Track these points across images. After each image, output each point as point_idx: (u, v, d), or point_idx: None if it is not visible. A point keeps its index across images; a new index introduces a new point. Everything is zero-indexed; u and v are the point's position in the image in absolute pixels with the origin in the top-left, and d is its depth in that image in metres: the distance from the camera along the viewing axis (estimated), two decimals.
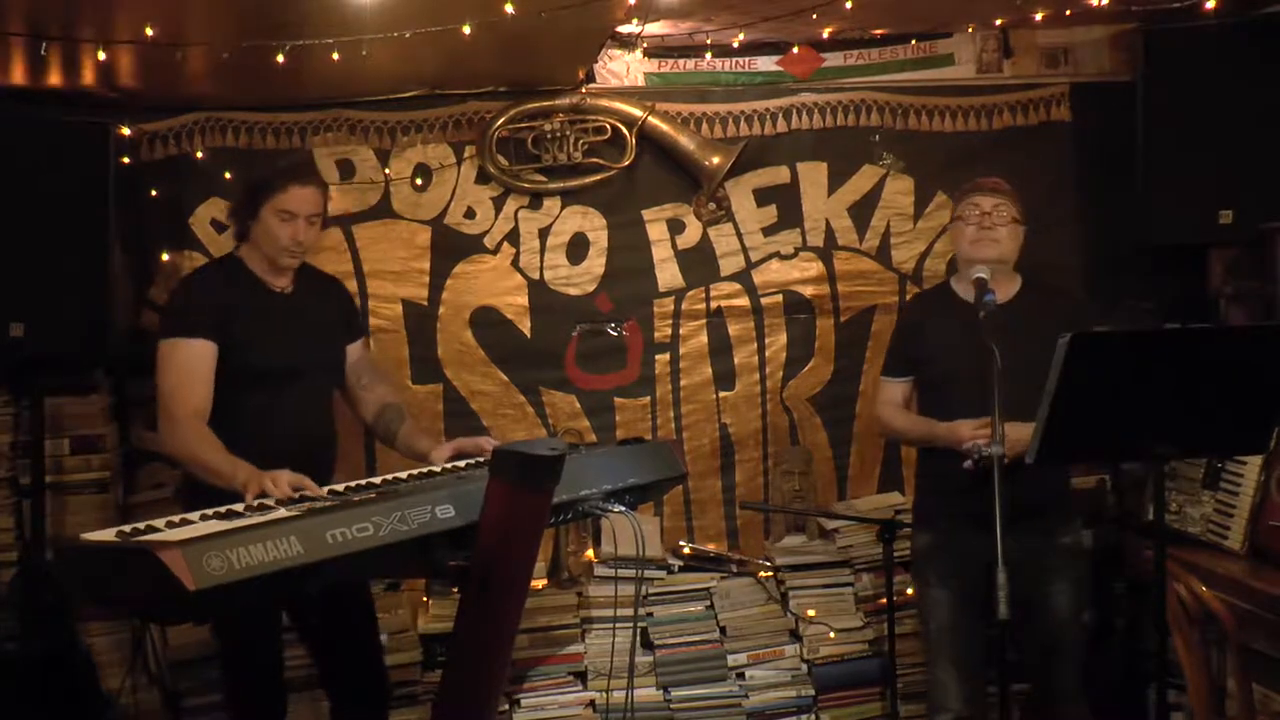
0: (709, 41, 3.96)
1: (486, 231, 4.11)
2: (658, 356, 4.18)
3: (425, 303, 4.09)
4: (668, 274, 4.17)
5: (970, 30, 4.11)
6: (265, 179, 3.02)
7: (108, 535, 2.17)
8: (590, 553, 3.98)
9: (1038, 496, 3.01)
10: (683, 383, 4.19)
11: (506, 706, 3.69)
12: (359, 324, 3.32)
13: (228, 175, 3.95)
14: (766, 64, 4.14)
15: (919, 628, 3.47)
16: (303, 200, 2.99)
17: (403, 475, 2.74)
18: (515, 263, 4.12)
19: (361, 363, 3.26)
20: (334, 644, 3.13)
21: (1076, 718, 3.13)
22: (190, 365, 2.87)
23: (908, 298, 4.15)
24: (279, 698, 3.07)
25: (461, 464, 2.93)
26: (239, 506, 2.41)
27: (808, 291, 4.19)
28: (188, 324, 2.91)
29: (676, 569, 3.91)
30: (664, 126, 4.05)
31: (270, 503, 2.45)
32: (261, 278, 3.04)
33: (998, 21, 4.04)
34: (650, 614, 3.84)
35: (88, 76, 3.57)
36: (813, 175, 4.17)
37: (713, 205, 4.13)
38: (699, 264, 4.17)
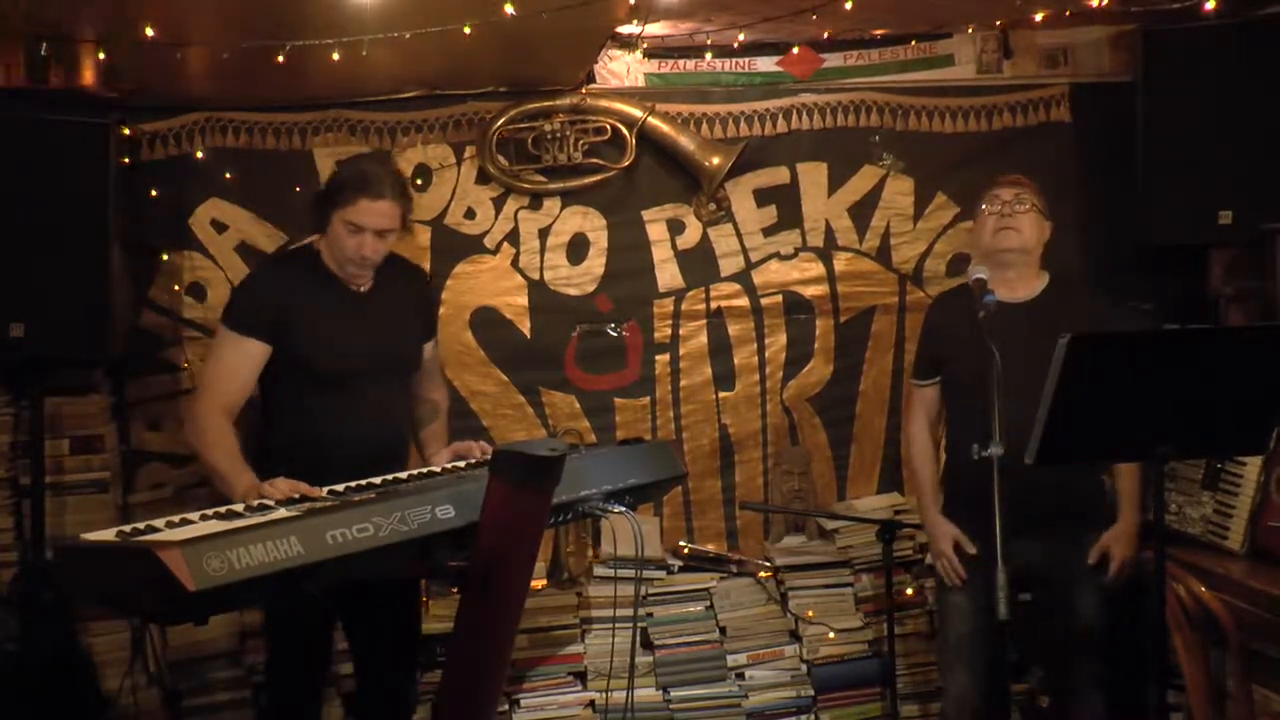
0: (709, 42, 3.96)
1: (486, 232, 4.11)
2: (657, 357, 4.18)
3: None
4: (667, 274, 4.17)
5: (970, 31, 4.11)
6: (339, 184, 2.89)
7: (108, 535, 2.17)
8: (590, 553, 3.98)
9: (1070, 503, 3.02)
10: (682, 383, 4.19)
11: (506, 706, 3.69)
12: (435, 321, 3.23)
13: (228, 175, 3.96)
14: (766, 64, 4.14)
15: (937, 632, 3.44)
16: (372, 214, 2.85)
17: (403, 475, 2.74)
18: (515, 263, 4.12)
19: (431, 364, 3.19)
20: (374, 654, 3.07)
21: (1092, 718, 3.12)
22: (235, 362, 2.84)
23: (908, 297, 4.17)
24: (323, 677, 3.05)
25: (461, 464, 2.93)
26: (239, 506, 2.41)
27: (807, 292, 4.19)
28: (245, 320, 2.86)
29: (676, 569, 3.92)
30: (664, 127, 4.05)
31: (270, 502, 2.45)
32: (335, 272, 2.95)
33: (997, 22, 4.05)
34: (650, 614, 3.84)
35: (88, 76, 3.57)
36: (813, 176, 4.17)
37: (713, 205, 4.13)
38: (699, 264, 4.17)
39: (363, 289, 2.98)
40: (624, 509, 2.65)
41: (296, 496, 2.49)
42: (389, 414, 3.00)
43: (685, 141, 4.05)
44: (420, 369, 3.15)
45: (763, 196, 4.17)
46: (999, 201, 3.16)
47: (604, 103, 4.04)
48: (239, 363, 2.84)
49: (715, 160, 4.01)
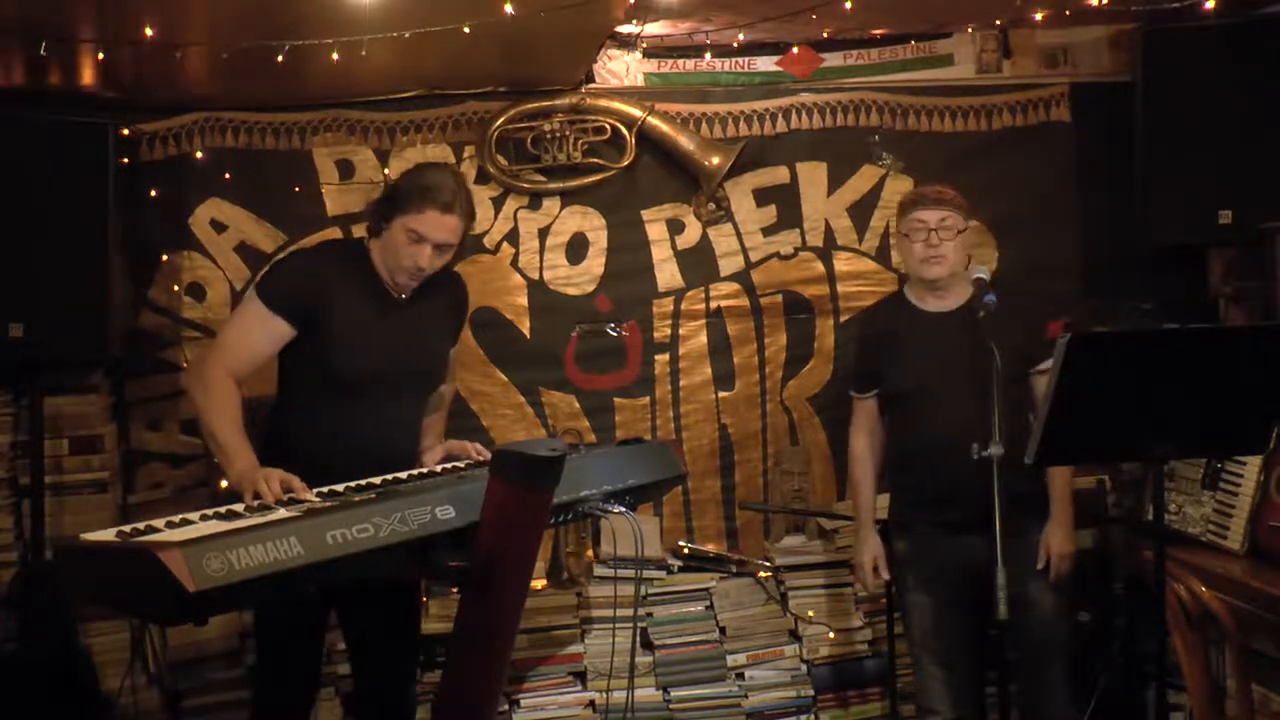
0: (708, 41, 3.96)
1: (486, 232, 4.11)
2: (657, 357, 4.18)
3: None
4: (667, 274, 4.17)
5: (970, 30, 4.12)
6: (408, 191, 2.78)
7: (108, 535, 2.17)
8: (590, 553, 3.97)
9: (1016, 498, 3.01)
10: (682, 383, 4.19)
11: (506, 706, 3.69)
12: (462, 324, 3.15)
13: (227, 175, 3.96)
14: (766, 64, 4.14)
15: (905, 631, 3.46)
16: (438, 227, 2.76)
17: (402, 475, 2.73)
18: (515, 263, 4.12)
19: (451, 363, 3.14)
20: (371, 650, 3.03)
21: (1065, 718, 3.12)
22: (256, 334, 2.76)
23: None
24: (311, 689, 3.00)
25: (461, 464, 2.93)
26: (239, 506, 2.41)
27: (807, 292, 4.19)
28: (278, 297, 2.76)
29: (676, 569, 3.91)
30: (663, 126, 4.05)
31: (270, 502, 2.45)
32: (381, 275, 2.86)
33: (997, 22, 4.05)
34: (650, 614, 3.84)
35: (88, 76, 3.57)
36: (812, 175, 4.17)
37: (712, 205, 4.13)
38: (698, 264, 4.17)
39: (403, 296, 2.89)
40: (624, 509, 2.65)
41: (284, 498, 2.47)
42: (403, 428, 2.93)
43: (685, 141, 4.05)
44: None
45: (762, 196, 4.17)
46: (924, 229, 3.08)
47: (603, 102, 4.04)
48: (260, 336, 2.76)
49: (715, 160, 4.01)
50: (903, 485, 3.26)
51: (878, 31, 4.06)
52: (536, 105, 4.02)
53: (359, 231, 4.02)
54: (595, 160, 4.06)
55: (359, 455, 2.71)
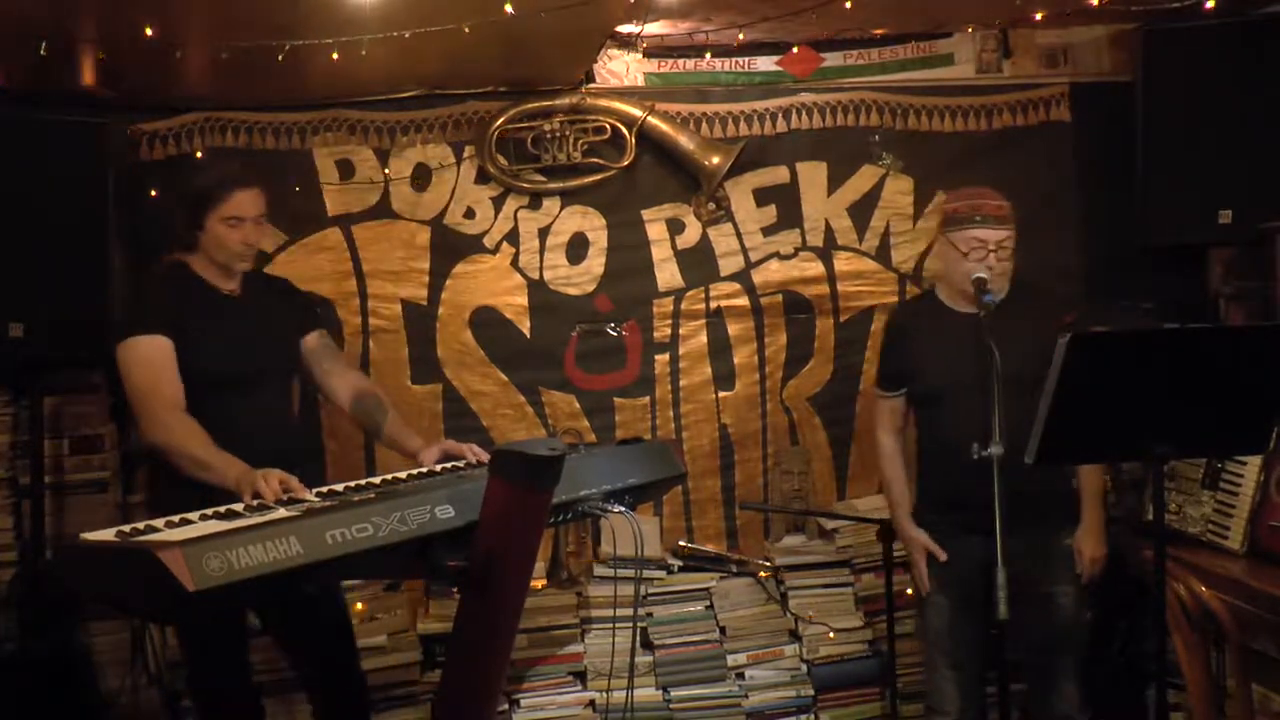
0: (708, 41, 3.96)
1: (486, 231, 4.11)
2: (657, 356, 4.18)
3: (425, 303, 4.09)
4: (667, 274, 4.17)
5: (970, 30, 4.12)
6: (205, 190, 2.98)
7: (107, 535, 2.17)
8: (590, 553, 3.98)
9: (1039, 498, 3.02)
10: (682, 383, 4.19)
11: (506, 706, 3.69)
12: (314, 317, 3.27)
13: None
14: (766, 64, 4.14)
15: (918, 630, 3.48)
16: (248, 203, 2.98)
17: (402, 475, 2.74)
18: (515, 263, 4.12)
19: (321, 350, 3.22)
20: (306, 648, 3.10)
21: None
22: (156, 359, 2.85)
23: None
24: (252, 702, 3.06)
25: (461, 464, 2.93)
26: (238, 506, 2.41)
27: (807, 291, 4.19)
28: (144, 322, 2.88)
29: (676, 569, 3.92)
30: (663, 126, 4.05)
31: (269, 502, 2.45)
32: (209, 281, 3.02)
33: (997, 21, 4.05)
34: (650, 614, 3.84)
35: (87, 76, 3.57)
36: (812, 175, 4.17)
37: (712, 205, 4.13)
38: (698, 264, 4.17)
39: (233, 294, 3.05)
40: (623, 509, 2.65)
41: (284, 497, 2.48)
42: (279, 412, 3.08)
43: (685, 141, 4.05)
44: (310, 358, 3.19)
45: (762, 196, 4.17)
46: (983, 248, 3.03)
47: (603, 102, 4.04)
48: (160, 360, 2.85)
49: (715, 160, 4.01)
50: (924, 486, 3.26)
51: (878, 31, 4.06)
52: (536, 105, 4.02)
53: (359, 232, 4.06)
54: (595, 160, 4.06)
55: (233, 447, 2.73)
